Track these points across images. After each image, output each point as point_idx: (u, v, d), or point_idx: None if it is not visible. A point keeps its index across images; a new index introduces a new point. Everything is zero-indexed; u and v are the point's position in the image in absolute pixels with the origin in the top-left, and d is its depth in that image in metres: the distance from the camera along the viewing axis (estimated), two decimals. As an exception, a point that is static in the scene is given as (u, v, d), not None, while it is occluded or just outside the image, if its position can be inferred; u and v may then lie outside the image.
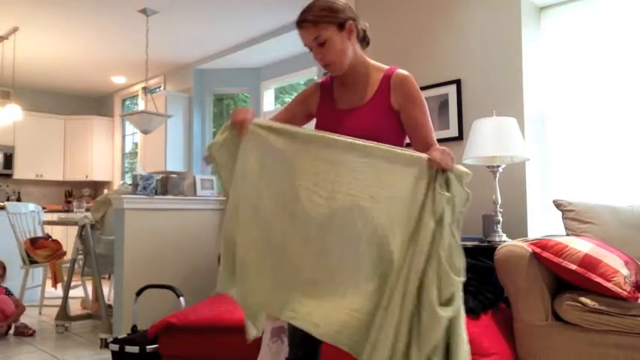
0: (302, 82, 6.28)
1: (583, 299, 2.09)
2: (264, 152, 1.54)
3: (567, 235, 2.58)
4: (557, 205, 2.73)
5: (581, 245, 2.19)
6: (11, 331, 3.88)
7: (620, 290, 2.01)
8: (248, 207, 1.53)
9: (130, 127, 8.01)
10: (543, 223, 3.26)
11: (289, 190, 1.51)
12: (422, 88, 3.64)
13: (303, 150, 1.51)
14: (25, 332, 3.83)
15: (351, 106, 1.72)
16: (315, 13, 1.60)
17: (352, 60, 1.68)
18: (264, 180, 1.53)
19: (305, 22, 1.61)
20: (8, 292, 4.03)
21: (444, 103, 3.60)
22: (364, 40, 1.75)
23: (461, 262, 1.43)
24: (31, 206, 5.02)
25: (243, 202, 1.54)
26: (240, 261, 1.53)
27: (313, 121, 1.83)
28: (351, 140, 1.50)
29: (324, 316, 1.43)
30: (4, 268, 4.19)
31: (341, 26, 1.62)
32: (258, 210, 1.53)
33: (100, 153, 8.14)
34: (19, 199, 7.65)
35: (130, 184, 3.76)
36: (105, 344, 3.39)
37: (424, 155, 1.48)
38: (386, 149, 1.50)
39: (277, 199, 1.52)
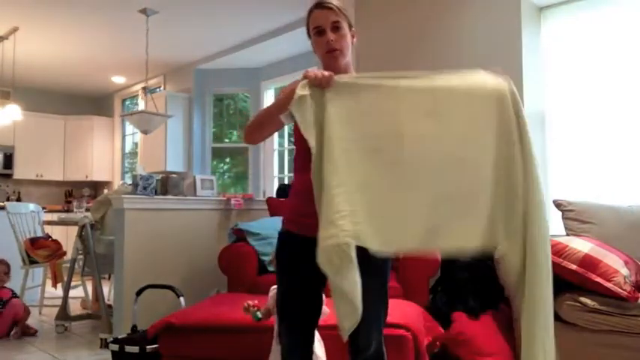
0: (302, 82, 6.27)
1: (583, 299, 2.09)
2: (360, 98, 1.53)
3: (567, 235, 2.58)
4: (557, 205, 2.72)
5: (581, 245, 2.19)
6: (11, 332, 3.87)
7: (620, 290, 2.01)
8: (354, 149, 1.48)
9: (130, 127, 8.00)
10: (543, 223, 3.25)
11: (391, 128, 1.51)
12: (422, 88, 3.65)
13: (394, 89, 1.54)
14: (25, 332, 3.82)
15: None
16: (337, 4, 1.71)
17: (347, 61, 1.75)
18: (361, 122, 1.51)
19: (330, 4, 1.69)
20: (14, 295, 4.01)
21: (444, 103, 3.59)
22: None
23: None
24: (31, 206, 5.02)
25: (347, 144, 1.47)
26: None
27: None
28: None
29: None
30: (9, 267, 4.16)
31: (350, 27, 1.75)
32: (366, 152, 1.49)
33: (100, 153, 8.13)
34: (19, 199, 7.64)
35: (130, 184, 3.77)
36: (105, 344, 3.39)
37: (504, 82, 1.62)
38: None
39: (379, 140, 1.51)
